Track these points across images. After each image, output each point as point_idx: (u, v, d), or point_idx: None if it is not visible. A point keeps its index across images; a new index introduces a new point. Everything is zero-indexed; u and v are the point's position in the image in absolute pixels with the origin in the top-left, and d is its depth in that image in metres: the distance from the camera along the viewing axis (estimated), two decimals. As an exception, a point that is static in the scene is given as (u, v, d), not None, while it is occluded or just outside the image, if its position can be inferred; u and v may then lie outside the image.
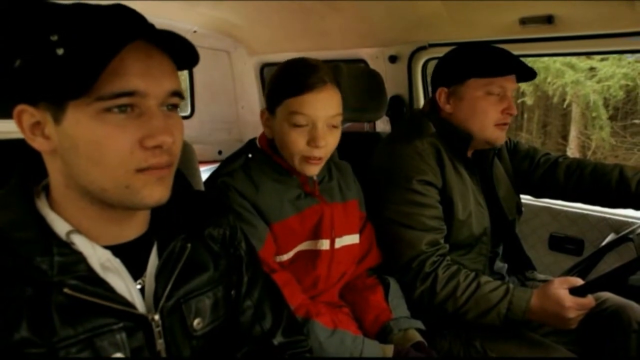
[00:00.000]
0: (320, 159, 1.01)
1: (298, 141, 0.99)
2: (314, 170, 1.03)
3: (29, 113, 0.56)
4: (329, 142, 1.01)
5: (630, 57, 6.28)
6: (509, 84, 1.20)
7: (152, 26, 0.57)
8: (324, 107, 0.98)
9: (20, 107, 0.56)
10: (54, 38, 0.52)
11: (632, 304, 1.23)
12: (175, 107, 0.61)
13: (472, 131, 1.23)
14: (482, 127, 1.22)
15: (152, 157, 0.57)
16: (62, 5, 0.55)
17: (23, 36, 0.54)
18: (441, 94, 1.26)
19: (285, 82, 1.00)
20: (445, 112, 1.27)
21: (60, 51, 0.52)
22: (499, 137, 1.23)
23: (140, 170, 0.57)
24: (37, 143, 0.57)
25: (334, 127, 1.02)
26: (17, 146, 0.61)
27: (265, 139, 1.09)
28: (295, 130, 0.99)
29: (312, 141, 0.98)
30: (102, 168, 0.56)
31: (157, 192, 0.59)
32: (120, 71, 0.54)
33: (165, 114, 0.59)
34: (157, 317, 0.62)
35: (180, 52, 0.59)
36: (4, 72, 0.55)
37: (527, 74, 1.22)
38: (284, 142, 1.01)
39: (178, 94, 0.60)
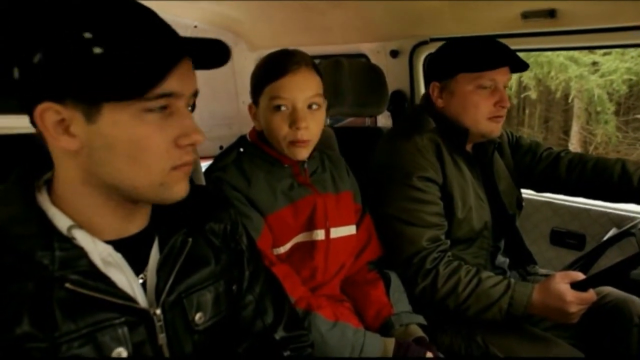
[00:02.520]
0: (306, 141, 1.03)
1: (281, 125, 1.02)
2: (302, 154, 1.05)
3: (53, 110, 0.54)
4: (311, 123, 1.03)
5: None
6: (500, 76, 1.19)
7: (203, 40, 0.58)
8: (300, 88, 1.01)
9: (45, 105, 0.54)
10: (88, 36, 0.52)
11: (633, 298, 1.23)
12: (192, 106, 0.63)
13: (466, 125, 1.23)
14: (475, 121, 1.22)
15: (185, 155, 0.60)
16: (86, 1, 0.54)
17: (45, 29, 0.53)
18: (434, 89, 1.27)
19: (264, 71, 1.04)
20: (438, 106, 1.27)
21: (97, 50, 0.52)
22: (494, 129, 1.23)
23: (174, 168, 0.59)
24: (63, 142, 0.56)
25: (316, 109, 1.04)
26: (16, 142, 0.61)
27: (255, 132, 1.11)
28: (277, 115, 1.02)
29: (293, 123, 1.01)
30: (138, 167, 0.57)
31: (184, 187, 0.62)
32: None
33: (190, 113, 0.61)
34: (158, 311, 0.62)
35: (204, 55, 0.60)
36: (22, 67, 0.54)
37: (521, 65, 1.21)
38: (270, 130, 1.04)
39: (197, 93, 0.63)
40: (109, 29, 0.53)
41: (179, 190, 0.61)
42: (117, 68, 0.52)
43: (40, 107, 0.54)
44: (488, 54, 1.18)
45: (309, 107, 1.03)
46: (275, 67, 1.01)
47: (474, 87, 1.19)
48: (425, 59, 1.84)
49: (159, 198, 0.60)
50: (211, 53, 0.60)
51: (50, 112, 0.55)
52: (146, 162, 0.57)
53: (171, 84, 0.56)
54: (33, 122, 0.56)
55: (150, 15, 0.57)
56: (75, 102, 0.54)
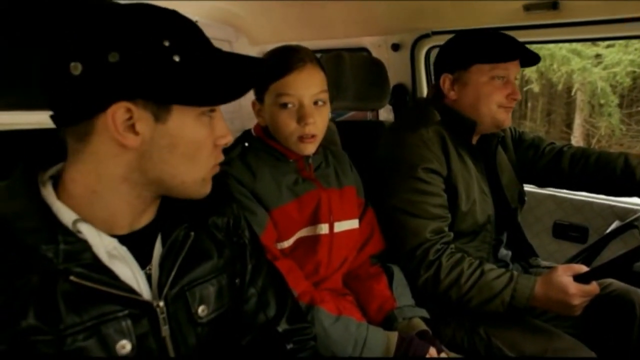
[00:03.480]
0: (313, 136, 1.04)
1: (288, 122, 1.02)
2: (310, 149, 1.06)
3: (125, 109, 0.57)
4: (318, 119, 1.04)
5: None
6: (512, 68, 1.21)
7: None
8: (307, 86, 1.02)
9: (120, 103, 0.56)
10: (167, 44, 0.57)
11: (636, 289, 1.23)
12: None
13: (479, 115, 1.24)
14: (489, 110, 1.22)
15: (220, 154, 0.68)
16: (160, 10, 0.60)
17: (125, 32, 0.56)
18: (445, 81, 1.26)
19: (269, 68, 1.03)
20: (449, 98, 1.27)
21: (176, 58, 0.57)
22: (506, 118, 1.24)
23: (214, 166, 0.67)
24: (129, 139, 0.58)
25: (321, 105, 1.05)
26: (16, 138, 0.61)
27: (260, 127, 1.11)
28: (284, 112, 1.02)
29: (301, 119, 1.02)
30: (192, 164, 0.63)
31: (212, 183, 0.68)
32: None
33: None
34: (161, 303, 0.62)
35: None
36: (93, 65, 0.55)
37: (530, 59, 1.22)
38: (277, 126, 1.04)
39: None
40: (184, 40, 0.59)
41: (211, 184, 0.68)
42: (194, 75, 0.59)
43: (115, 105, 0.56)
44: (503, 45, 1.20)
45: (315, 103, 1.03)
46: (280, 65, 1.01)
47: (488, 78, 1.20)
48: (427, 53, 1.83)
49: (198, 192, 0.66)
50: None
51: (122, 110, 0.57)
52: (199, 160, 0.64)
53: None
54: (76, 118, 0.58)
55: (204, 36, 0.64)
56: (146, 102, 0.57)
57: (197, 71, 0.59)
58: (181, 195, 0.66)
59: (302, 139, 1.03)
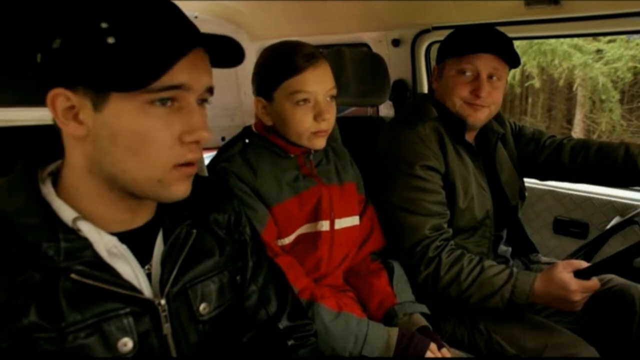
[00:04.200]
0: (327, 130, 1.06)
1: (304, 119, 1.02)
2: (322, 143, 1.07)
3: (64, 97, 0.55)
4: (332, 114, 1.05)
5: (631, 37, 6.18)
6: (482, 63, 1.18)
7: (213, 36, 0.57)
8: (322, 81, 1.02)
9: (56, 91, 0.55)
10: (104, 25, 0.52)
11: (636, 285, 1.23)
12: (205, 101, 0.62)
13: (448, 107, 1.24)
14: (453, 104, 1.23)
15: (189, 153, 0.58)
16: None
17: (67, 17, 0.53)
18: (434, 73, 1.30)
19: (280, 65, 1.02)
20: (435, 91, 1.30)
21: (111, 40, 0.52)
22: (470, 114, 1.22)
23: (175, 167, 0.58)
24: (71, 128, 0.56)
25: (332, 100, 1.06)
26: (18, 134, 0.61)
27: (261, 123, 1.10)
28: (299, 109, 1.02)
29: (318, 115, 1.02)
30: (139, 160, 0.56)
31: (184, 188, 0.61)
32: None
33: (201, 109, 0.60)
34: (163, 301, 0.62)
35: (220, 51, 0.60)
36: (43, 52, 0.54)
37: (513, 56, 1.20)
38: (290, 123, 1.03)
39: (212, 89, 0.62)
40: (124, 20, 0.53)
41: (177, 191, 0.60)
42: (124, 58, 0.52)
43: (52, 93, 0.55)
44: (472, 39, 1.19)
45: (327, 98, 1.04)
46: (293, 61, 1.00)
47: (455, 72, 1.21)
48: (428, 48, 1.83)
49: (156, 195, 0.60)
50: (224, 49, 0.60)
51: (61, 98, 0.55)
52: (147, 156, 0.56)
53: (179, 76, 0.55)
54: None
55: (169, 8, 0.57)
56: (85, 90, 0.55)
57: (129, 53, 0.53)
58: (143, 195, 0.60)
59: (316, 133, 1.04)
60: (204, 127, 0.59)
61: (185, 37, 0.55)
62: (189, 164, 0.59)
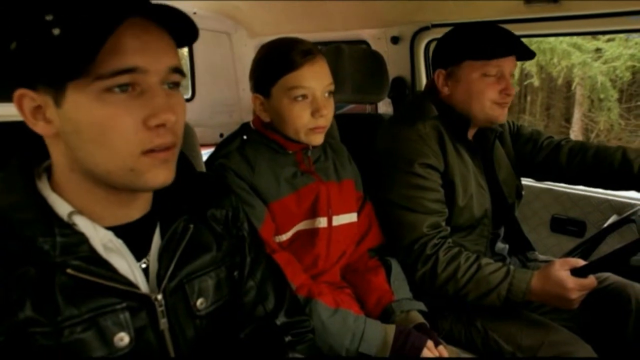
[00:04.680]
0: (324, 127, 1.05)
1: (302, 114, 1.02)
2: (320, 139, 1.07)
3: (29, 97, 0.55)
4: (329, 110, 1.05)
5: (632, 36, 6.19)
6: (506, 64, 1.19)
7: (147, 1, 0.55)
8: (320, 78, 1.02)
9: (20, 92, 0.55)
10: (49, 18, 0.51)
11: (632, 283, 1.24)
12: (176, 85, 0.60)
13: (472, 112, 1.23)
14: (481, 107, 1.21)
15: (156, 138, 0.56)
16: None
17: (18, 17, 0.53)
18: (439, 76, 1.26)
19: (277, 61, 1.02)
20: (443, 94, 1.26)
21: (56, 31, 0.51)
22: (500, 114, 1.23)
23: (145, 153, 0.56)
24: (39, 127, 0.56)
25: (330, 96, 1.06)
26: (15, 129, 0.61)
27: (259, 120, 1.10)
28: (297, 105, 1.02)
29: (316, 111, 1.02)
30: (106, 151, 0.55)
31: (162, 175, 0.58)
32: (118, 48, 0.53)
33: (167, 92, 0.58)
34: (160, 296, 0.62)
35: (178, 27, 0.58)
36: (2, 56, 0.54)
37: (527, 53, 1.20)
38: (288, 119, 1.03)
39: (178, 70, 0.59)
40: (66, 8, 0.52)
41: (155, 178, 0.58)
42: (68, 47, 0.50)
43: (17, 94, 0.55)
44: (495, 41, 1.18)
45: (325, 94, 1.04)
46: (290, 57, 1.00)
47: (480, 75, 1.19)
48: (427, 45, 1.82)
49: (134, 185, 0.58)
50: (180, 27, 0.57)
51: (26, 99, 0.55)
52: (113, 146, 0.54)
53: (129, 58, 0.53)
54: None
55: None
56: (46, 88, 0.54)
57: (71, 41, 0.51)
58: (122, 186, 0.58)
59: (314, 130, 1.04)
60: (167, 109, 0.56)
61: (114, 11, 0.51)
62: (161, 149, 0.57)
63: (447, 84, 1.25)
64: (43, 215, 0.57)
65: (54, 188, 0.60)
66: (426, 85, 1.39)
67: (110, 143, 0.54)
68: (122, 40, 0.53)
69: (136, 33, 0.54)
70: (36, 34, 0.52)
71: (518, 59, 1.22)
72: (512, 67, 1.21)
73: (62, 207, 0.58)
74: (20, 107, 0.55)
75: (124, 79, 0.53)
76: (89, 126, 0.54)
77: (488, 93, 1.20)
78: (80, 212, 0.59)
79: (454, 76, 1.23)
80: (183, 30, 0.58)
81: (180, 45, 0.60)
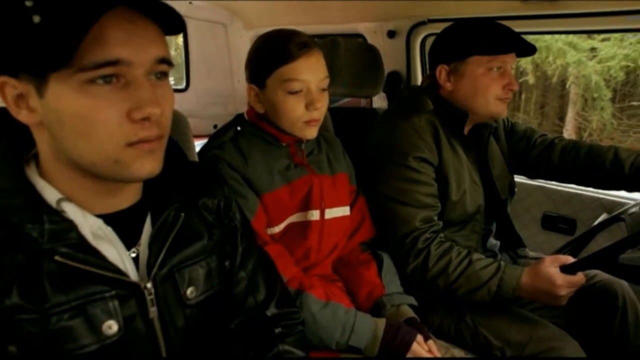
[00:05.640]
0: (318, 120, 1.05)
1: (296, 107, 1.02)
2: (314, 132, 1.07)
3: (10, 85, 0.54)
4: (324, 103, 1.04)
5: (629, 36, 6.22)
6: (509, 59, 1.20)
7: None
8: (315, 71, 1.02)
9: (2, 79, 0.54)
10: (29, 4, 0.50)
11: (620, 281, 1.25)
12: (164, 75, 0.59)
13: (475, 107, 1.23)
14: (486, 102, 1.22)
15: (141, 130, 0.55)
16: None
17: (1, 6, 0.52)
18: (441, 72, 1.25)
19: (273, 52, 1.01)
20: (445, 89, 1.26)
21: (36, 19, 0.49)
22: (503, 110, 1.24)
23: (130, 145, 0.55)
24: (23, 116, 0.55)
25: (324, 89, 1.05)
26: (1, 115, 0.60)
27: (253, 111, 1.10)
28: (291, 97, 1.01)
29: (310, 104, 1.01)
30: (89, 142, 0.54)
31: (148, 165, 0.57)
32: (101, 39, 0.51)
33: (154, 83, 0.57)
34: (149, 285, 0.62)
35: (164, 17, 0.56)
36: None
37: (526, 49, 1.21)
38: (282, 111, 1.03)
39: (166, 61, 0.58)
40: None
41: (140, 168, 0.57)
42: (48, 35, 0.49)
43: None
44: (501, 37, 1.19)
45: (320, 87, 1.03)
46: (286, 49, 0.99)
47: (485, 70, 1.19)
48: (423, 40, 1.82)
49: (120, 176, 0.57)
50: (165, 16, 0.55)
51: (8, 87, 0.54)
52: (96, 138, 0.54)
53: (113, 50, 0.52)
54: None
55: None
56: (28, 76, 0.53)
57: (51, 30, 0.49)
58: (108, 177, 0.57)
59: (308, 123, 1.03)
60: (152, 102, 0.54)
61: (94, 3, 0.50)
62: (145, 140, 0.56)
63: (449, 79, 1.25)
64: (31, 202, 0.56)
65: (42, 175, 0.59)
66: (424, 80, 1.38)
67: (94, 135, 0.54)
68: (105, 31, 0.52)
69: (121, 23, 0.53)
70: (15, 21, 0.50)
71: (517, 56, 1.23)
72: (513, 62, 1.22)
73: (50, 194, 0.58)
74: (3, 95, 0.55)
75: (107, 70, 0.52)
76: (72, 117, 0.53)
77: (493, 88, 1.20)
78: (69, 199, 0.59)
79: (458, 71, 1.23)
80: (168, 19, 0.57)
81: (169, 34, 0.59)
